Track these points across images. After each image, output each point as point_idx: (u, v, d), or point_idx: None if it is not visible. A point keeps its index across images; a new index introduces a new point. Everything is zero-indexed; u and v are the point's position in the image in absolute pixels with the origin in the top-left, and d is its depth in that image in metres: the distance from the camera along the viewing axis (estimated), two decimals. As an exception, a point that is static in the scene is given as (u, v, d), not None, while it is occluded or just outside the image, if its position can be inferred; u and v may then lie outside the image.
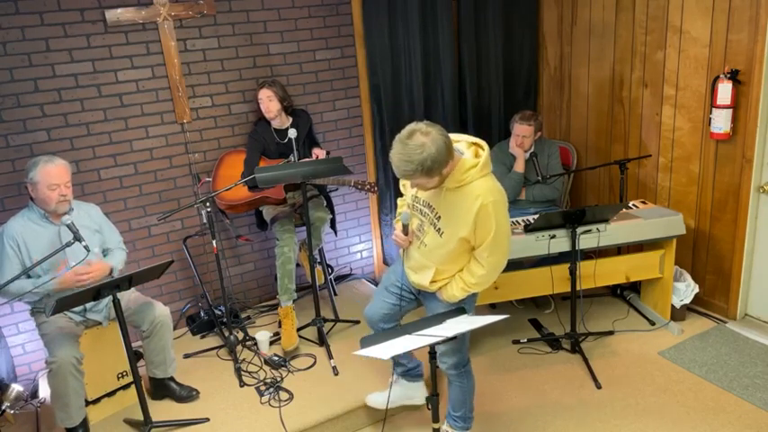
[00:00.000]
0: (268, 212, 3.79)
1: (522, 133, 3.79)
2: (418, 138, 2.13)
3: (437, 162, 2.13)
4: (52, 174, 2.78)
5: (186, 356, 3.59)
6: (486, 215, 2.22)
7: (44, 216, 2.86)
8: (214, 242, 3.31)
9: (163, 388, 3.17)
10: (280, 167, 3.28)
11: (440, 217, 2.32)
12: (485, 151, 2.30)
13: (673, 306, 3.60)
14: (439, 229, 2.33)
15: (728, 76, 3.31)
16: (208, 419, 3.00)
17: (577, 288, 3.33)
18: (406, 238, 2.47)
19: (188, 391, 3.17)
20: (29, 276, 2.81)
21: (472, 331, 2.13)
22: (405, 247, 2.52)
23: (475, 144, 2.36)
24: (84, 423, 2.87)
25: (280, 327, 3.66)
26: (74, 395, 2.76)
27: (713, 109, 3.41)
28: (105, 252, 3.09)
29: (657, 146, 3.86)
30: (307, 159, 3.60)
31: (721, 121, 3.38)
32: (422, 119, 4.21)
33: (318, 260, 3.95)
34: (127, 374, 3.16)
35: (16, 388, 3.26)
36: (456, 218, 2.27)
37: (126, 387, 3.17)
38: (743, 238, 3.49)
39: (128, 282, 2.65)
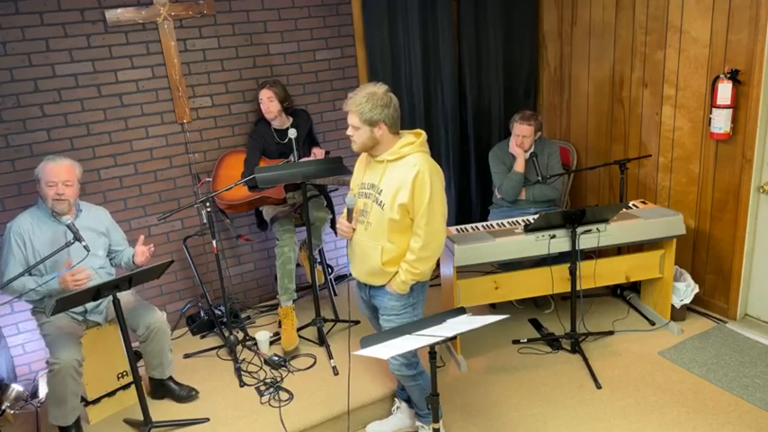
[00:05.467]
0: (268, 212, 3.79)
1: (521, 133, 3.79)
2: (376, 90, 2.44)
3: (374, 110, 2.39)
4: (53, 171, 2.80)
5: (186, 356, 3.59)
6: (422, 182, 2.39)
7: (51, 215, 2.88)
8: (214, 242, 3.31)
9: (162, 388, 3.17)
10: (280, 167, 3.29)
11: (381, 191, 2.49)
12: (422, 135, 2.53)
13: (673, 306, 3.60)
14: (381, 203, 2.48)
15: (728, 76, 3.31)
16: (208, 419, 3.00)
17: (577, 288, 3.33)
18: (349, 225, 2.61)
19: (187, 391, 3.18)
20: (31, 275, 2.81)
21: (472, 331, 2.13)
22: (349, 235, 2.63)
23: (415, 133, 2.56)
24: (77, 423, 2.87)
25: (280, 327, 3.66)
26: (71, 396, 2.77)
27: (713, 109, 3.41)
28: (112, 254, 3.11)
29: (657, 146, 3.87)
30: (306, 159, 3.60)
31: (721, 121, 3.38)
32: (422, 119, 4.28)
33: (318, 260, 3.95)
34: (127, 374, 3.16)
35: (16, 388, 3.26)
36: (396, 187, 2.43)
37: (126, 387, 3.17)
38: (743, 238, 3.48)
39: (128, 282, 2.65)
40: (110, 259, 3.11)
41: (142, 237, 3.02)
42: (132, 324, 2.99)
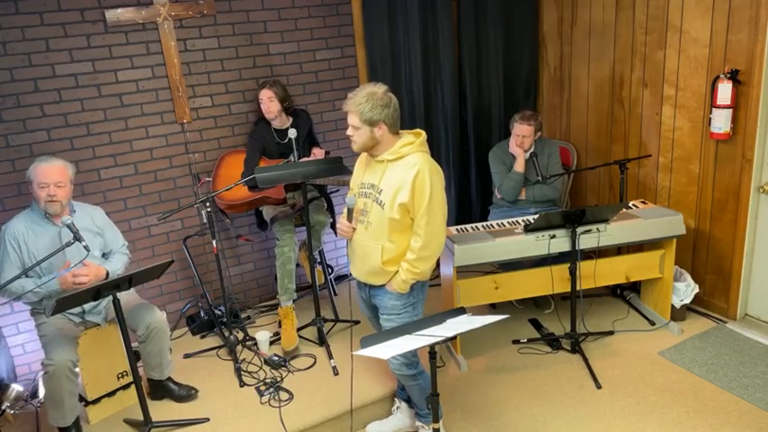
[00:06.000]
0: (268, 212, 3.79)
1: (521, 133, 3.79)
2: (376, 90, 2.44)
3: (374, 110, 2.39)
4: (44, 173, 2.78)
5: (186, 356, 3.59)
6: (422, 181, 2.40)
7: (45, 216, 2.86)
8: (214, 242, 3.31)
9: (161, 389, 3.17)
10: (280, 167, 3.29)
11: (381, 191, 2.49)
12: (422, 135, 2.53)
13: (673, 306, 3.60)
14: (381, 202, 2.49)
15: (728, 76, 3.31)
16: (208, 419, 3.00)
17: (577, 288, 3.33)
18: (349, 224, 2.61)
19: (187, 391, 3.17)
20: (28, 276, 2.81)
21: (472, 331, 2.13)
22: (350, 235, 2.63)
23: (415, 132, 2.56)
24: (77, 423, 2.88)
25: (280, 327, 3.66)
26: (68, 396, 2.77)
27: (713, 109, 3.41)
28: (106, 255, 3.09)
29: (657, 146, 3.86)
30: (305, 159, 3.60)
31: (721, 121, 3.38)
32: (422, 119, 4.28)
33: (318, 260, 3.95)
34: (127, 374, 3.16)
35: (16, 388, 3.26)
36: (396, 186, 2.43)
37: (126, 387, 3.17)
38: (743, 238, 3.48)
39: (128, 282, 2.65)
40: (106, 260, 3.09)
41: (87, 261, 2.84)
42: (132, 324, 2.98)
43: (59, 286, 2.78)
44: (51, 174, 2.79)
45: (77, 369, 2.80)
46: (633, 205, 3.64)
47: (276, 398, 3.12)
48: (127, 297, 3.07)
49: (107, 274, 2.93)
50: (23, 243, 2.83)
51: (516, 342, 3.58)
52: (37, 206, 2.86)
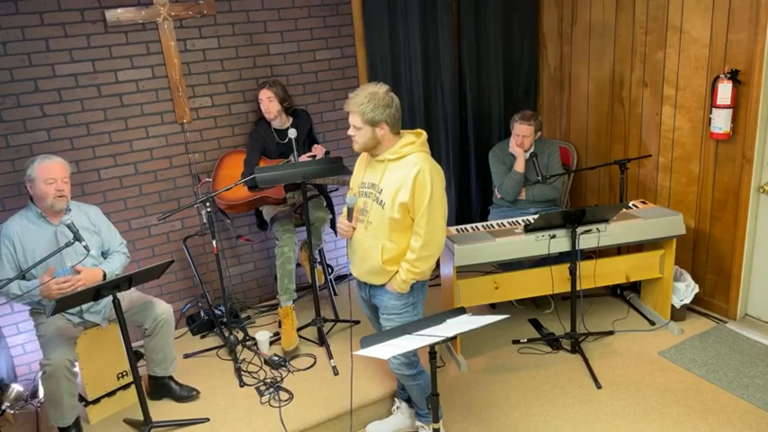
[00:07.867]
0: (268, 212, 3.80)
1: (522, 133, 3.79)
2: (377, 90, 2.44)
3: (376, 110, 2.40)
4: (49, 169, 2.79)
5: (186, 356, 3.59)
6: (422, 181, 2.40)
7: (41, 216, 2.85)
8: (214, 242, 3.31)
9: (162, 387, 3.17)
10: (280, 167, 3.29)
11: (381, 190, 2.49)
12: (423, 134, 2.54)
13: (673, 306, 3.60)
14: (381, 202, 2.49)
15: (728, 76, 3.31)
16: (208, 419, 3.00)
17: (577, 288, 3.33)
18: (349, 224, 2.61)
19: (188, 391, 3.17)
20: (24, 278, 2.79)
21: (472, 331, 2.13)
22: (350, 234, 2.63)
23: (416, 132, 2.57)
24: (77, 423, 2.87)
25: (280, 327, 3.66)
26: (67, 396, 2.77)
27: (713, 109, 3.41)
28: (105, 254, 3.08)
29: (657, 146, 3.87)
30: (305, 156, 3.60)
31: (721, 121, 3.38)
32: (422, 119, 4.28)
33: (318, 260, 3.95)
34: (127, 374, 3.16)
35: (16, 388, 3.26)
36: (396, 186, 2.44)
37: (126, 387, 3.17)
38: (743, 238, 3.48)
39: (128, 282, 2.65)
40: (104, 260, 3.07)
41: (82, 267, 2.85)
42: (139, 319, 2.99)
43: (42, 294, 2.74)
44: (57, 170, 2.81)
45: (76, 368, 2.80)
46: (633, 205, 3.64)
47: (276, 398, 3.12)
48: (130, 294, 3.06)
49: (104, 275, 2.91)
50: (19, 243, 2.82)
51: (516, 342, 3.58)
52: (33, 205, 2.86)
